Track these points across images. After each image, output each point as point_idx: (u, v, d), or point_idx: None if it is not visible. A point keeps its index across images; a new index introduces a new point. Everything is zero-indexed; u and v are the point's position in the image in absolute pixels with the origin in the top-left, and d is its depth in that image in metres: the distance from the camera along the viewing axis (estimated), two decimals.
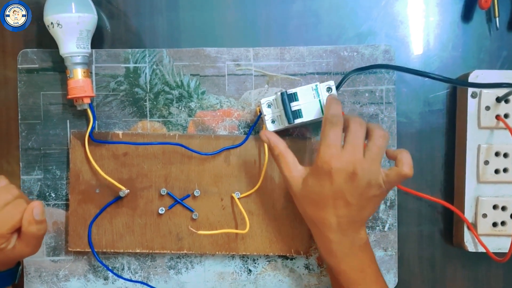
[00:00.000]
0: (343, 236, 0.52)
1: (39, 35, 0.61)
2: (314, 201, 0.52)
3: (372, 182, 0.50)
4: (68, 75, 0.57)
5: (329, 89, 0.55)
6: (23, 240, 0.50)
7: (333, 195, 0.50)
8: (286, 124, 0.55)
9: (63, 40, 0.56)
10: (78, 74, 0.57)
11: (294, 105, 0.54)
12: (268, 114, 0.56)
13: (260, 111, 0.58)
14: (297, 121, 0.54)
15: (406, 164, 0.50)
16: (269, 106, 0.56)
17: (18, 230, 0.50)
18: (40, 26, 0.60)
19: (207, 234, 0.59)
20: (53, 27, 0.55)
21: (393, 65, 0.58)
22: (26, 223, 0.49)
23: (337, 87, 0.56)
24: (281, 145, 0.53)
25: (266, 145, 0.58)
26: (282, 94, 0.54)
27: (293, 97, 0.54)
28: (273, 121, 0.56)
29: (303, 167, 0.53)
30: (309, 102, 0.55)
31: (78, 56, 0.57)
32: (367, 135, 0.51)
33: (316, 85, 0.55)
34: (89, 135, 0.59)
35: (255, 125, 0.60)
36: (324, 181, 0.50)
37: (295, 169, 0.53)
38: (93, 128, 0.59)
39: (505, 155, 0.58)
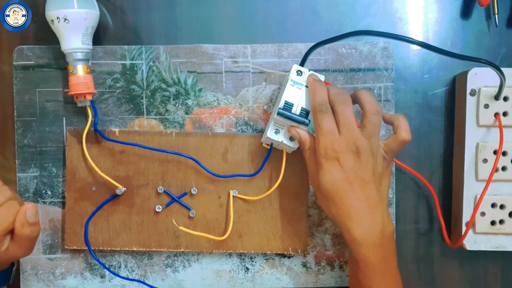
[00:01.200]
0: (372, 224, 0.50)
1: (35, 32, 0.60)
2: (333, 193, 0.50)
3: (376, 155, 0.51)
4: (71, 71, 0.57)
5: (298, 72, 0.54)
6: (16, 242, 0.50)
7: (348, 179, 0.50)
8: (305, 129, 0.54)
9: (67, 36, 0.56)
10: (81, 70, 0.56)
11: (295, 109, 0.53)
12: (284, 139, 0.55)
13: (269, 145, 0.58)
14: (310, 116, 0.53)
15: (403, 129, 0.51)
16: (276, 132, 0.55)
17: (11, 232, 0.50)
18: (37, 23, 0.60)
19: (188, 232, 0.58)
20: (58, 22, 0.55)
21: (373, 31, 0.55)
22: (19, 225, 0.49)
23: (301, 64, 0.55)
24: (310, 140, 0.53)
25: (284, 159, 0.58)
26: (279, 113, 0.53)
27: (288, 105, 0.53)
28: (291, 139, 0.55)
29: None
30: (300, 96, 0.53)
31: (82, 52, 0.56)
32: (360, 106, 0.52)
33: (291, 80, 0.54)
34: (98, 132, 0.59)
35: (267, 159, 0.59)
36: (334, 168, 0.50)
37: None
38: (95, 124, 0.59)
39: (504, 153, 0.58)
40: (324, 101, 0.51)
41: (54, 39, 0.57)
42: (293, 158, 0.59)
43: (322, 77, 0.54)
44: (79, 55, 0.56)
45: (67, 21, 0.54)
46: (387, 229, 0.51)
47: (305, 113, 0.53)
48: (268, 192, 0.58)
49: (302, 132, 0.53)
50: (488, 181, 0.55)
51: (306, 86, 0.54)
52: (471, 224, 0.57)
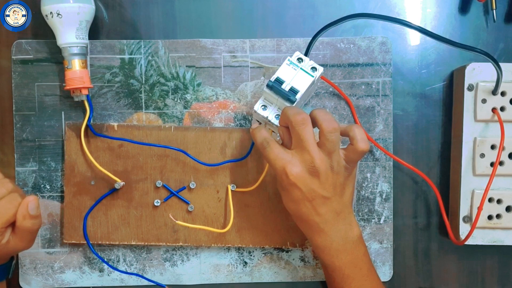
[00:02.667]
0: (333, 232, 0.51)
1: (34, 26, 0.60)
2: (294, 212, 0.52)
3: (336, 169, 0.50)
4: (66, 66, 0.57)
5: (299, 59, 0.54)
6: (18, 234, 0.50)
7: (308, 198, 0.50)
8: None
9: (61, 30, 0.56)
10: (76, 65, 0.57)
11: (285, 86, 0.53)
12: (269, 115, 0.54)
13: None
14: (298, 96, 0.52)
15: (359, 140, 0.50)
16: (264, 108, 0.54)
17: (12, 225, 0.50)
18: (35, 17, 0.60)
19: (186, 226, 0.58)
20: (52, 17, 0.55)
21: (372, 14, 0.54)
22: (20, 218, 0.49)
23: (306, 53, 0.55)
24: (265, 136, 0.52)
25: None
26: (268, 85, 0.53)
27: (279, 81, 0.53)
28: (277, 117, 0.54)
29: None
30: (294, 76, 0.53)
31: (77, 46, 0.56)
32: (317, 125, 0.51)
33: (288, 59, 0.54)
34: (90, 128, 0.58)
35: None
36: (293, 192, 0.50)
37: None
38: (90, 119, 0.59)
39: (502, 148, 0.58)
40: (265, 136, 0.51)
41: (52, 34, 0.57)
42: None
43: (321, 69, 0.54)
44: (74, 50, 0.56)
45: (60, 15, 0.55)
46: (350, 235, 0.52)
47: (294, 92, 0.52)
48: (260, 179, 0.58)
49: (256, 131, 0.53)
50: (492, 176, 0.55)
51: (302, 69, 0.53)
52: (477, 220, 0.56)
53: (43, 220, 0.60)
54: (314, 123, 0.51)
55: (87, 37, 0.57)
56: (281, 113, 0.52)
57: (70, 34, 0.56)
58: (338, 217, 0.51)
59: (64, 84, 0.57)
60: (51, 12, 0.55)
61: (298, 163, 0.49)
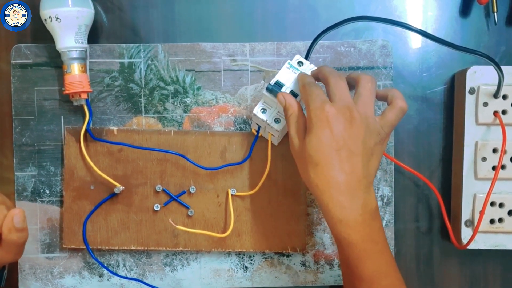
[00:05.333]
0: (353, 199, 0.46)
1: (33, 30, 0.60)
2: (317, 160, 0.47)
3: (370, 127, 0.47)
4: (65, 70, 0.57)
5: (299, 63, 0.54)
6: (4, 247, 0.48)
7: (336, 145, 0.46)
8: None
9: (60, 34, 0.55)
10: (75, 69, 0.56)
11: (285, 89, 0.52)
12: (268, 118, 0.54)
13: (256, 130, 0.57)
14: (297, 99, 0.52)
15: (399, 97, 0.49)
16: (263, 111, 0.54)
17: None
18: (34, 21, 0.59)
19: (186, 231, 0.58)
20: (51, 21, 0.55)
21: (373, 17, 0.54)
22: (6, 231, 0.47)
23: (306, 57, 0.55)
24: (295, 106, 0.50)
25: (269, 145, 0.57)
26: (268, 89, 0.52)
27: (279, 84, 0.53)
28: (276, 121, 0.54)
29: None
30: (293, 80, 0.53)
31: (76, 51, 0.56)
32: (353, 82, 0.50)
33: (289, 63, 0.53)
34: (89, 133, 0.58)
35: (254, 144, 0.58)
36: (323, 131, 0.46)
37: (303, 132, 0.49)
38: (89, 124, 0.58)
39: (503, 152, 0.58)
40: (313, 80, 0.50)
41: (51, 38, 0.57)
42: (291, 157, 0.58)
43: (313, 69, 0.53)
44: (73, 54, 0.56)
45: (58, 20, 0.54)
46: (369, 205, 0.47)
47: (294, 95, 0.52)
48: (259, 184, 0.58)
49: (288, 97, 0.51)
50: (494, 180, 0.55)
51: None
52: (479, 224, 0.56)
53: (42, 225, 0.60)
54: (351, 83, 0.50)
55: (86, 41, 0.57)
56: (318, 70, 0.51)
57: (69, 38, 0.55)
58: (359, 183, 0.47)
59: (63, 89, 0.57)
60: (50, 17, 0.54)
61: (337, 107, 0.47)
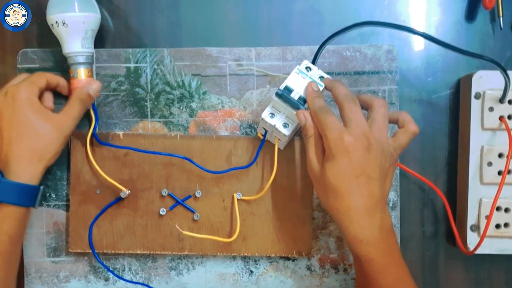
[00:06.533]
0: (372, 220, 0.49)
1: (39, 34, 0.60)
2: (337, 187, 0.49)
3: (385, 150, 0.50)
4: (71, 75, 0.57)
5: (307, 68, 0.54)
6: (68, 104, 0.55)
7: (354, 173, 0.48)
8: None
9: (67, 39, 0.56)
10: (82, 74, 0.57)
11: (294, 95, 0.53)
12: (277, 123, 0.54)
13: (263, 135, 0.57)
14: (307, 105, 0.52)
15: (410, 122, 0.51)
16: (272, 116, 0.54)
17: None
18: (40, 26, 0.60)
19: (192, 236, 0.58)
20: (57, 26, 0.55)
21: (379, 22, 0.54)
22: (79, 91, 0.56)
23: (313, 62, 0.55)
24: (316, 129, 0.51)
25: (276, 149, 0.57)
26: (278, 94, 0.53)
27: (288, 90, 0.53)
28: (285, 125, 0.54)
29: None
30: (302, 85, 0.53)
31: (83, 55, 0.56)
32: (368, 107, 0.52)
33: (297, 68, 0.54)
34: (95, 137, 0.58)
35: (260, 148, 0.58)
36: (342, 160, 0.48)
37: (321, 155, 0.51)
38: (95, 128, 0.59)
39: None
40: (322, 104, 0.51)
41: (58, 42, 0.57)
42: (297, 161, 0.59)
43: (329, 78, 0.53)
44: (80, 59, 0.56)
45: (65, 25, 0.55)
46: (385, 223, 0.50)
47: (303, 101, 0.52)
48: (265, 188, 0.58)
49: (309, 117, 0.52)
50: (501, 185, 0.55)
51: (311, 78, 0.53)
52: (487, 230, 0.56)
53: (48, 229, 0.60)
54: (363, 106, 0.52)
55: (92, 46, 0.57)
56: (332, 88, 0.52)
57: (76, 43, 0.56)
58: (377, 205, 0.49)
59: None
60: (56, 22, 0.55)
61: (354, 135, 0.48)
